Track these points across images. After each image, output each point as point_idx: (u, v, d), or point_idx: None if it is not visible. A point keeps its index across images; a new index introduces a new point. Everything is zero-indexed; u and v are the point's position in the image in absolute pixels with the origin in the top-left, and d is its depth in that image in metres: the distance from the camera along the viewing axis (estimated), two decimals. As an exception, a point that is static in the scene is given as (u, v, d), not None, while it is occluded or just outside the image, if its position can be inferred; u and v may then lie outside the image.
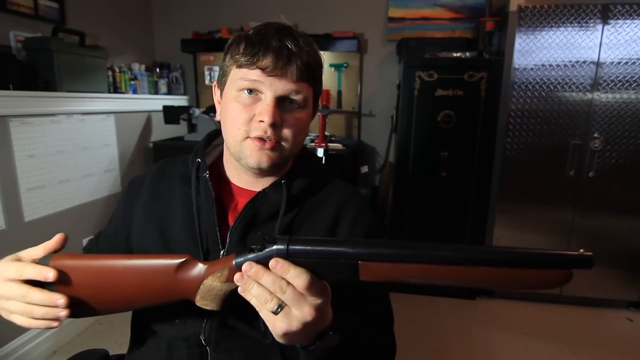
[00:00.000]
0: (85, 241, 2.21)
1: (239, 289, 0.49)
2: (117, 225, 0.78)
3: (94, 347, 0.82)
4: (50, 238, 0.56)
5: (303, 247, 0.46)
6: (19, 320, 0.53)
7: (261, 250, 0.48)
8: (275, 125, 0.63)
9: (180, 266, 0.54)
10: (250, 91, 0.63)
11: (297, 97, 0.64)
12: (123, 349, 0.77)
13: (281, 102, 0.64)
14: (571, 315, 2.33)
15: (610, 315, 2.33)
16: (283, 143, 0.66)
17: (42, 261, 0.54)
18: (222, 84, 0.69)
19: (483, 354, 1.98)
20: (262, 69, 0.61)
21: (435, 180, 2.40)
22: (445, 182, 2.39)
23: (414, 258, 0.44)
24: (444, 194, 2.42)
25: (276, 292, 0.46)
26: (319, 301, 0.47)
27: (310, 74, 0.65)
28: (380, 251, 0.45)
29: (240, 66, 0.63)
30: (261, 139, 0.63)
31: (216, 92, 0.72)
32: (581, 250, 0.42)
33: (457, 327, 2.21)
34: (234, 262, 0.51)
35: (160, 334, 0.67)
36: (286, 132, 0.65)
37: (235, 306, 0.53)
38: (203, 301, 0.54)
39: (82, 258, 0.56)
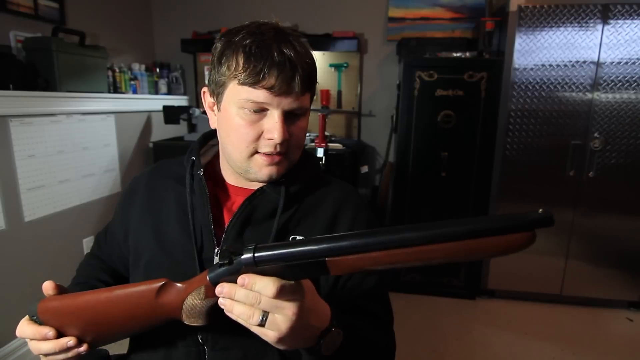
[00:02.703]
0: (85, 241, 2.21)
1: (225, 311, 0.49)
2: (117, 225, 0.79)
3: (94, 347, 0.82)
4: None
5: (269, 253, 0.46)
6: None
7: (230, 263, 0.49)
8: (284, 140, 0.63)
9: (159, 290, 0.55)
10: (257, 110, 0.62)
11: (301, 110, 0.65)
12: (123, 349, 0.77)
13: (286, 115, 0.63)
14: (571, 315, 2.32)
15: (610, 315, 2.33)
16: (291, 154, 0.67)
17: (31, 308, 0.57)
18: (217, 94, 0.66)
19: (483, 354, 1.98)
20: (267, 89, 0.59)
21: (435, 180, 2.40)
22: (445, 182, 2.39)
23: (378, 246, 0.43)
24: (444, 194, 2.42)
25: (253, 305, 0.47)
26: (296, 301, 0.47)
27: (311, 83, 0.65)
28: (344, 244, 0.44)
29: (242, 83, 0.60)
30: (270, 154, 0.64)
31: (206, 99, 0.70)
32: (540, 210, 0.42)
33: (457, 327, 2.21)
34: (207, 278, 0.52)
35: (159, 334, 0.67)
36: (293, 143, 0.66)
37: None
38: (190, 319, 0.55)
39: (67, 298, 0.58)
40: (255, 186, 0.70)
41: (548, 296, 2.42)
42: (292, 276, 0.47)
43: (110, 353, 0.80)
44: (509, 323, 2.25)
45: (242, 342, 0.65)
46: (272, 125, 0.62)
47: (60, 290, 0.59)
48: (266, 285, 0.46)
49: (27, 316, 0.58)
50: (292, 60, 0.60)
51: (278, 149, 0.63)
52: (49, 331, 0.55)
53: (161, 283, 0.55)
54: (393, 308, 0.74)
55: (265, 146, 0.63)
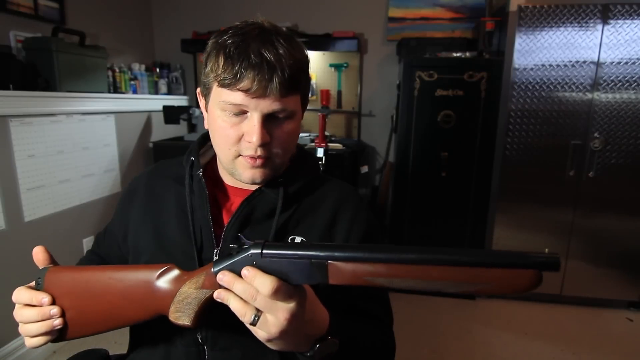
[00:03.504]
0: (85, 241, 2.21)
1: (222, 301, 0.50)
2: (116, 225, 0.79)
3: (94, 347, 0.82)
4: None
5: (276, 251, 0.48)
6: (26, 343, 0.57)
7: (239, 251, 0.50)
8: (265, 144, 0.62)
9: (161, 274, 0.55)
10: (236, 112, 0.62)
11: (284, 114, 0.62)
12: (123, 349, 0.77)
13: (268, 118, 0.62)
14: (571, 315, 2.33)
15: (610, 315, 2.33)
16: (274, 158, 0.65)
17: (41, 271, 0.57)
18: (205, 95, 0.66)
19: (483, 354, 1.98)
20: (244, 91, 0.58)
21: (435, 180, 2.40)
22: (445, 182, 2.39)
23: (380, 259, 0.46)
24: (444, 194, 2.42)
25: (249, 300, 0.47)
26: (291, 305, 0.47)
27: (295, 84, 0.61)
28: (348, 252, 0.47)
29: (221, 85, 0.60)
30: (252, 157, 0.63)
31: (201, 99, 0.70)
32: (546, 250, 0.42)
33: (457, 327, 2.21)
34: (212, 270, 0.52)
35: (159, 334, 0.67)
36: (276, 147, 0.64)
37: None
38: (176, 313, 0.53)
39: (75, 269, 0.58)
40: (253, 187, 0.70)
41: (548, 296, 2.42)
42: (292, 278, 0.48)
43: (110, 353, 0.80)
44: (509, 323, 2.25)
45: (241, 343, 0.65)
46: (251, 128, 0.61)
47: (52, 258, 0.60)
48: (265, 282, 0.46)
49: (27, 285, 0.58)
50: (270, 62, 0.58)
51: (259, 152, 0.62)
52: (45, 297, 0.55)
53: (165, 267, 0.55)
54: (393, 308, 0.74)
55: (246, 149, 0.63)
